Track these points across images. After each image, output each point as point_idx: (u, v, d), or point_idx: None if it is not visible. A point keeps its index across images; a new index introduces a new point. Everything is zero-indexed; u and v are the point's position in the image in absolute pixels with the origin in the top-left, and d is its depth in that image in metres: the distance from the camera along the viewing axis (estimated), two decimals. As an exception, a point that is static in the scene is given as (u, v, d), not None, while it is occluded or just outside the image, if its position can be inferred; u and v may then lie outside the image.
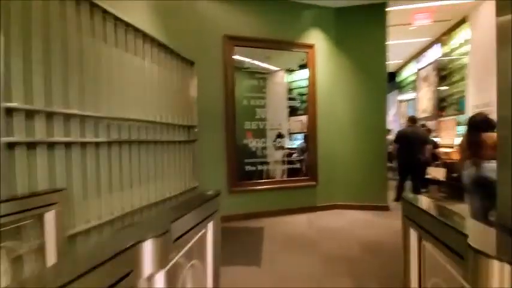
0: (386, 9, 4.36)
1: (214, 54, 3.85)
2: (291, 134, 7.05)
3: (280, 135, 5.94)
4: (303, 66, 4.64)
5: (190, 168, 3.42)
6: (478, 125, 3.03)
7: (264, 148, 4.39)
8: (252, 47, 4.03)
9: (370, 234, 3.41)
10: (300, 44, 4.32)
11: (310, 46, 4.35)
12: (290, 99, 5.19)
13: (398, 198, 4.96)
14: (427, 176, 4.86)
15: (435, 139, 5.38)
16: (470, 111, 4.75)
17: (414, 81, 7.61)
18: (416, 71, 7.51)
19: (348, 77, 4.54)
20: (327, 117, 4.51)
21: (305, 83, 4.59)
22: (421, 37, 6.19)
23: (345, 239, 3.27)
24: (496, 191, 1.24)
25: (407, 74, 8.22)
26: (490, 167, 2.90)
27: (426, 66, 6.89)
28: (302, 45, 4.33)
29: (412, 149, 4.74)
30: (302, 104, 5.45)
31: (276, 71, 5.28)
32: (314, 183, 4.42)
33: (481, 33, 4.57)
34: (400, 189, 4.97)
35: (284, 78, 7.19)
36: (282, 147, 5.89)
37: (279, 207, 4.24)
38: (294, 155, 5.31)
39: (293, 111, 6.89)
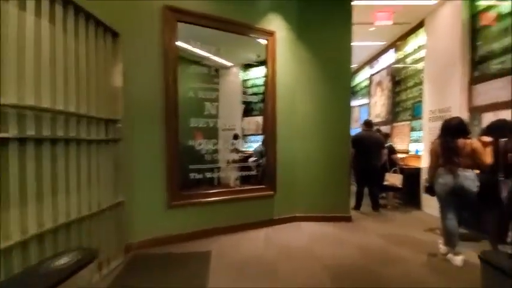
0: (352, 3, 4.03)
1: (150, 29, 2.99)
2: (245, 135, 6.47)
3: (236, 137, 5.37)
4: (259, 64, 4.04)
5: (111, 177, 2.52)
6: (453, 130, 2.77)
7: (215, 151, 3.65)
8: (200, 25, 3.25)
9: (337, 254, 2.91)
10: (258, 30, 3.70)
11: (270, 33, 3.77)
12: (245, 97, 4.59)
13: (358, 206, 4.66)
14: (385, 183, 4.66)
15: (391, 145, 5.25)
16: (427, 116, 4.69)
17: (368, 86, 7.64)
18: (369, 76, 7.54)
19: (312, 75, 4.07)
20: (287, 118, 3.97)
21: (261, 81, 4.02)
22: (377, 40, 6.13)
23: (310, 263, 2.70)
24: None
25: (360, 79, 8.27)
26: (468, 176, 2.65)
27: (380, 71, 6.91)
28: (261, 31, 3.71)
29: (369, 154, 4.49)
30: (257, 104, 4.91)
31: (230, 66, 4.65)
32: (272, 192, 3.83)
33: (436, 38, 4.53)
34: (359, 196, 4.68)
35: (238, 74, 6.55)
36: (237, 151, 5.32)
37: (232, 222, 3.55)
38: (251, 159, 4.75)
39: (248, 111, 6.27)
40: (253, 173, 4.10)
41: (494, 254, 2.02)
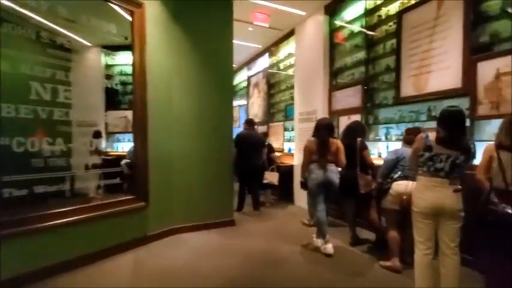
0: (233, -4, 3.85)
1: None
2: (111, 133, 5.31)
3: (97, 135, 4.30)
4: (129, 48, 3.23)
5: None
6: (325, 129, 2.99)
7: (65, 154, 2.63)
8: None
9: (222, 266, 2.60)
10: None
11: (138, 4, 3.04)
12: (110, 87, 3.66)
13: (241, 207, 4.59)
14: (264, 181, 4.79)
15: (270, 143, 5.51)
16: (297, 118, 5.14)
17: (246, 87, 7.88)
18: (247, 77, 7.80)
19: (192, 68, 3.61)
20: (162, 114, 3.36)
21: (131, 68, 3.24)
22: (255, 43, 6.33)
23: (192, 285, 2.27)
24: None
25: (240, 79, 8.47)
26: (333, 170, 2.92)
27: (257, 73, 7.23)
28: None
29: (251, 154, 4.50)
30: (126, 96, 4.11)
31: (88, 46, 3.61)
32: (143, 203, 3.14)
33: (303, 48, 5.03)
34: (242, 197, 4.61)
35: (100, 57, 5.33)
36: (99, 152, 4.23)
37: (90, 249, 2.65)
38: (124, 162, 3.87)
39: (115, 104, 5.21)
40: (119, 181, 3.27)
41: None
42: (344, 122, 4.20)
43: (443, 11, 2.92)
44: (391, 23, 3.63)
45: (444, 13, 2.91)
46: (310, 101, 4.85)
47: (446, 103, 2.97)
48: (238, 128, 6.63)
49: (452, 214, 1.86)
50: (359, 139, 3.06)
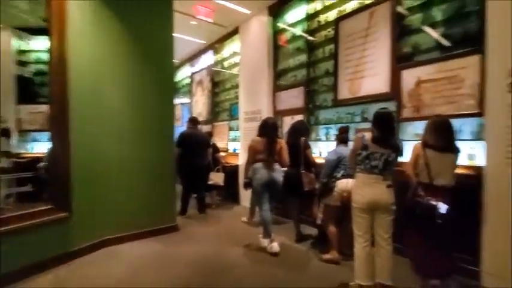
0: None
1: None
2: (24, 131, 4.54)
3: (5, 133, 3.73)
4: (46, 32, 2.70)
5: None
6: (271, 128, 2.99)
7: None
8: None
9: (164, 279, 2.38)
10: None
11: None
12: (25, 75, 3.10)
13: (184, 211, 4.34)
14: (209, 182, 4.63)
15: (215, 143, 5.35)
16: (242, 117, 5.10)
17: (189, 84, 7.54)
18: (190, 74, 7.48)
19: (127, 59, 3.24)
20: (90, 110, 2.94)
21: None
22: (198, 37, 6.08)
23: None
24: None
25: (182, 76, 8.07)
26: (278, 169, 2.97)
27: (200, 70, 6.98)
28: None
29: (196, 154, 4.29)
30: (44, 88, 3.61)
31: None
32: (64, 213, 2.69)
33: (248, 47, 5.02)
34: (186, 200, 4.36)
35: (9, 40, 4.61)
36: (7, 154, 3.68)
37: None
38: (41, 165, 3.35)
39: (30, 96, 4.54)
40: (29, 188, 2.77)
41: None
42: (288, 122, 4.31)
43: (374, 22, 3.20)
44: (329, 29, 3.84)
45: (375, 24, 3.19)
46: (255, 101, 4.86)
47: (377, 106, 3.27)
48: (181, 127, 6.30)
49: (386, 208, 2.03)
50: (303, 138, 3.15)
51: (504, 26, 2.15)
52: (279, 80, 4.69)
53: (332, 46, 3.75)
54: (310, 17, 4.09)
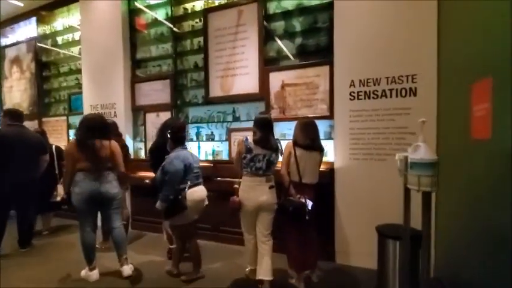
0: None
1: None
2: None
3: None
4: None
5: None
6: (96, 129, 2.36)
7: None
8: None
9: None
10: None
11: None
12: None
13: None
14: (57, 199, 3.28)
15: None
16: (89, 111, 4.00)
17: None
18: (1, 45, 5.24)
19: None
20: None
21: None
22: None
23: None
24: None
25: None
26: (112, 178, 2.40)
27: (17, 44, 4.99)
28: None
29: (21, 163, 2.95)
30: None
31: None
32: None
33: (93, 25, 3.95)
34: (1, 228, 2.92)
35: None
36: None
37: None
38: None
39: None
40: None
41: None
42: (152, 119, 3.71)
43: (243, 20, 3.17)
44: (197, 20, 3.55)
45: (244, 22, 3.17)
46: (106, 92, 3.90)
47: (248, 106, 3.31)
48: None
49: (269, 208, 2.12)
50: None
51: (347, 41, 2.58)
52: (138, 70, 3.96)
53: (201, 38, 3.48)
54: (175, 2, 3.62)
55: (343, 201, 2.62)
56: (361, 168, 2.54)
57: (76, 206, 2.31)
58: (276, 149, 2.14)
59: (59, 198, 3.26)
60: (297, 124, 2.30)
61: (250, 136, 2.18)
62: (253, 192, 2.09)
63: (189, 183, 2.23)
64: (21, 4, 4.54)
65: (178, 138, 2.30)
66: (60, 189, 3.36)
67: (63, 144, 4.42)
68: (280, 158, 2.24)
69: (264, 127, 2.11)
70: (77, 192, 2.28)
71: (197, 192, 2.26)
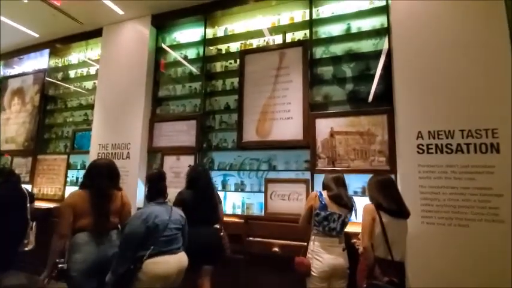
0: None
1: None
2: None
3: None
4: None
5: None
6: (106, 174, 1.91)
7: None
8: None
9: None
10: None
11: None
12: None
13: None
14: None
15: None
16: (96, 151, 3.51)
17: (-4, 91, 4.84)
18: (2, 75, 4.87)
19: None
20: None
21: None
22: (27, 26, 4.05)
23: None
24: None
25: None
26: (117, 238, 1.85)
27: (22, 75, 4.63)
28: None
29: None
30: None
31: None
32: None
33: (116, 57, 3.70)
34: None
35: None
36: None
37: None
38: None
39: None
40: None
41: None
42: (171, 163, 3.25)
43: (286, 63, 2.96)
44: (231, 60, 3.34)
45: (286, 66, 2.95)
46: (120, 130, 3.48)
47: (288, 153, 2.94)
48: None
49: (342, 273, 1.87)
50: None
51: (410, 91, 2.34)
52: (159, 108, 3.61)
53: (233, 79, 3.24)
54: (208, 42, 3.44)
55: (417, 278, 2.11)
56: (437, 234, 2.10)
57: (74, 278, 1.67)
58: (351, 208, 1.90)
59: (29, 247, 2.56)
60: (371, 182, 1.89)
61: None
62: (327, 254, 1.84)
63: (151, 249, 1.63)
64: (36, 35, 4.31)
65: (155, 190, 1.85)
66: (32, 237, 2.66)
67: (57, 186, 3.83)
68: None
69: (338, 183, 1.95)
70: (79, 261, 1.69)
71: (161, 264, 1.64)
